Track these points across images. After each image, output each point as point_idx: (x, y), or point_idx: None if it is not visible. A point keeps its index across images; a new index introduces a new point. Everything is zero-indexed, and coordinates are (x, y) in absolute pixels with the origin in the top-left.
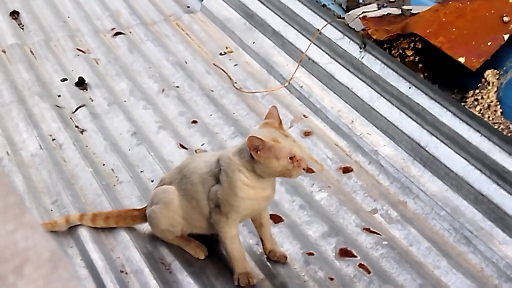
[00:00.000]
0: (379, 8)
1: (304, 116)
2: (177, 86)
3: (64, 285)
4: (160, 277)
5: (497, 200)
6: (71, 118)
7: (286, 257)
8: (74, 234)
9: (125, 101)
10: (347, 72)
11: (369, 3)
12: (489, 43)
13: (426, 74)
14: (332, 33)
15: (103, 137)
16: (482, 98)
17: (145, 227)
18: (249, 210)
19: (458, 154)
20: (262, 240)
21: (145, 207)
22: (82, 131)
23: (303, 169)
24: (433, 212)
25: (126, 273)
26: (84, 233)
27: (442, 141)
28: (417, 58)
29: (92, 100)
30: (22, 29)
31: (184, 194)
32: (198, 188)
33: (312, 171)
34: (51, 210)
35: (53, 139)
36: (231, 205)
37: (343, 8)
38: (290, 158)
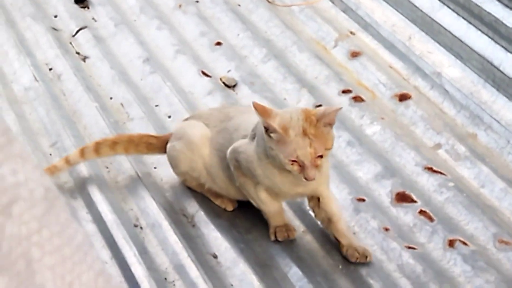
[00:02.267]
0: None
1: (351, 33)
2: (197, 1)
3: (62, 228)
4: (181, 232)
5: None
6: (70, 43)
7: (367, 257)
8: (79, 183)
9: (134, 20)
10: None
11: None
12: None
13: None
14: None
15: (110, 65)
16: None
17: (162, 173)
18: (274, 190)
19: None
20: (335, 237)
21: (167, 135)
22: (84, 59)
23: (305, 178)
24: (510, 145)
25: (141, 227)
26: (89, 181)
27: None
28: None
29: (96, 21)
30: None
31: (218, 148)
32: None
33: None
34: (50, 154)
35: (50, 69)
36: (252, 174)
37: None
38: (291, 160)
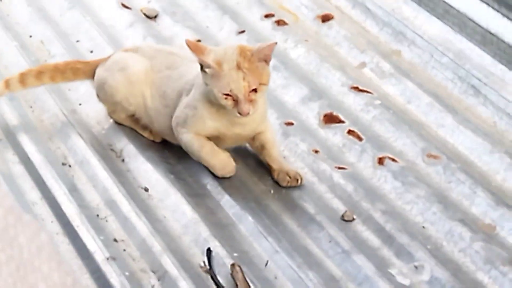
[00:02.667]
0: None
1: None
2: None
3: None
4: (111, 167)
5: (508, 38)
6: None
7: (298, 180)
8: (3, 124)
9: None
10: None
11: None
12: None
13: None
14: None
15: (27, 3)
16: None
17: (87, 109)
18: (216, 135)
19: None
20: (267, 163)
21: (95, 61)
22: None
23: (239, 113)
24: (433, 59)
25: (69, 165)
26: (14, 122)
27: None
28: None
29: None
30: None
31: (161, 95)
32: (174, 95)
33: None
34: None
35: None
36: (192, 118)
37: None
38: (225, 94)
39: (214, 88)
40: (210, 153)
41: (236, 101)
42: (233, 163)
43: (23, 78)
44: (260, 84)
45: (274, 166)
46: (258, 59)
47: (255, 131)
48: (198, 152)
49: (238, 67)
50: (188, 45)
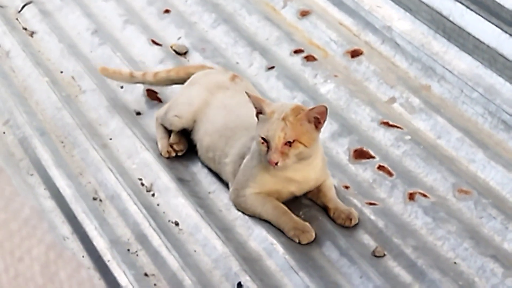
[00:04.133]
0: None
1: None
2: None
3: (7, 203)
4: (141, 201)
5: None
6: (17, 18)
7: (351, 219)
8: (34, 160)
9: None
10: None
11: None
12: None
13: None
14: None
15: (58, 39)
16: None
17: (118, 143)
18: (271, 187)
19: (489, 21)
20: (324, 204)
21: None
22: (31, 34)
23: (268, 161)
24: (463, 94)
25: (100, 200)
26: (45, 157)
27: (468, 7)
28: None
29: None
30: None
31: (213, 139)
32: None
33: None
34: (4, 133)
35: None
36: (250, 173)
37: None
38: (262, 138)
39: (258, 129)
40: (276, 210)
41: (269, 148)
42: (311, 229)
43: (156, 73)
44: (297, 141)
45: (330, 205)
46: (307, 118)
47: (311, 188)
48: (262, 208)
49: (284, 118)
50: (248, 96)
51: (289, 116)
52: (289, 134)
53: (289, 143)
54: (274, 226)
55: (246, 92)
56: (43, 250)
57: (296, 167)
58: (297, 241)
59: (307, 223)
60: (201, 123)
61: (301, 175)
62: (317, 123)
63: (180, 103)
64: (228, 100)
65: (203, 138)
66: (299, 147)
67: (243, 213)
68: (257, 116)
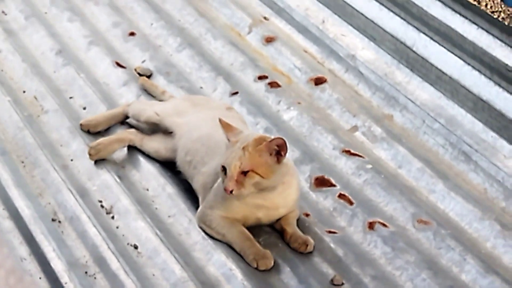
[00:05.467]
0: None
1: (265, 18)
2: None
3: None
4: (101, 223)
5: (500, 105)
6: None
7: (307, 245)
8: None
9: (45, 12)
10: None
11: None
12: None
13: None
14: None
15: (22, 58)
16: None
17: (79, 165)
18: (238, 212)
19: (452, 52)
20: (282, 227)
21: None
22: None
23: (224, 188)
24: (425, 125)
25: (59, 221)
26: (5, 177)
27: (431, 38)
28: None
29: (6, 14)
30: None
31: (207, 137)
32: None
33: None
34: None
35: None
36: (220, 196)
37: None
38: (222, 166)
39: (221, 158)
40: (240, 235)
41: (226, 176)
42: (271, 256)
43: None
44: (253, 171)
45: (289, 230)
46: (268, 149)
47: (279, 216)
48: (227, 232)
49: (244, 148)
50: (221, 123)
51: (250, 146)
52: (245, 163)
53: (244, 173)
54: (234, 251)
55: (219, 119)
56: (3, 275)
57: (265, 195)
58: (255, 266)
59: (267, 251)
60: (185, 128)
61: (271, 203)
62: (278, 155)
63: (166, 106)
64: (218, 117)
65: (185, 142)
66: (254, 177)
67: (205, 232)
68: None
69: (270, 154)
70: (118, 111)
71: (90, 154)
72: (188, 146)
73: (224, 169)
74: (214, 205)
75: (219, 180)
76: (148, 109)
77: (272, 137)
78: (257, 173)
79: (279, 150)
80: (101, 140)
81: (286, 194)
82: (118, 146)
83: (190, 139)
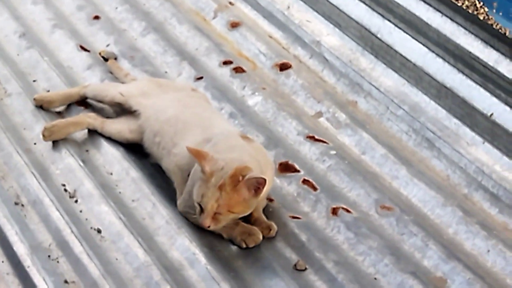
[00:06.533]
0: None
1: (230, 3)
2: None
3: None
4: (64, 207)
5: (463, 92)
6: None
7: (270, 230)
8: None
9: None
10: None
11: None
12: None
13: None
14: None
15: None
16: None
17: (42, 148)
18: None
19: (416, 39)
20: None
21: None
22: None
23: (200, 223)
24: (389, 111)
25: (22, 205)
26: None
27: (396, 25)
28: None
29: None
30: None
31: (175, 119)
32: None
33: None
34: None
35: None
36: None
37: None
38: (197, 202)
39: (195, 189)
40: None
41: (202, 211)
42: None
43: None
44: (229, 211)
45: (254, 213)
46: (246, 186)
47: None
48: None
49: (221, 187)
50: (191, 152)
51: (227, 185)
52: (222, 205)
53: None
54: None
55: (187, 147)
56: None
57: None
58: (244, 246)
59: (253, 227)
60: (152, 110)
61: None
62: (257, 189)
63: (131, 86)
64: (185, 99)
65: (153, 124)
66: (230, 215)
67: (188, 220)
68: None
69: (248, 190)
70: (74, 91)
71: (44, 136)
72: (156, 128)
73: (198, 204)
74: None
75: (194, 168)
76: (111, 90)
77: (246, 169)
78: (232, 212)
79: (258, 186)
80: (57, 121)
81: (261, 205)
82: (74, 129)
83: (158, 121)
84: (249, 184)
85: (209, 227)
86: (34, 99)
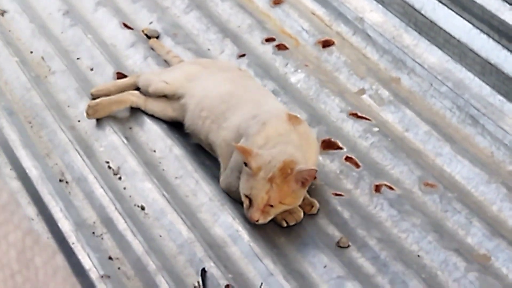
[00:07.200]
0: None
1: None
2: None
3: None
4: (108, 184)
5: (508, 69)
6: None
7: (312, 206)
8: (1, 140)
9: None
10: None
11: None
12: None
13: None
14: None
15: (29, 19)
16: None
17: (86, 126)
18: None
19: (460, 15)
20: None
21: None
22: (2, 13)
23: (249, 217)
24: (432, 88)
25: (66, 182)
26: (12, 137)
27: (440, 1)
28: None
29: None
30: None
31: (206, 116)
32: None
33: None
34: None
35: None
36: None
37: None
38: (245, 194)
39: (242, 183)
40: None
41: (251, 204)
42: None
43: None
44: (281, 203)
45: None
46: (295, 179)
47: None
48: None
49: (271, 179)
50: (238, 149)
51: (276, 178)
52: (273, 197)
53: (271, 205)
54: (238, 209)
55: (234, 144)
56: (19, 236)
57: None
58: (284, 225)
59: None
60: (198, 88)
61: None
62: (305, 181)
63: (175, 72)
64: (236, 77)
65: (201, 99)
66: (281, 207)
67: (230, 196)
68: (244, 164)
69: (296, 183)
70: (129, 81)
71: (87, 114)
72: (205, 103)
73: (246, 197)
74: (234, 174)
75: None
76: (155, 79)
77: (292, 163)
78: (284, 204)
79: (307, 178)
80: (101, 100)
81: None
82: (117, 107)
83: (208, 97)
84: (298, 176)
85: (257, 221)
86: (91, 93)
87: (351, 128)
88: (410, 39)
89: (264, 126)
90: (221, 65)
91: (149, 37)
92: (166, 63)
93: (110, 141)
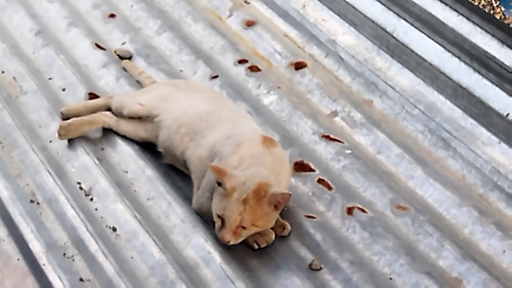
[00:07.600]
0: None
1: (246, 2)
2: None
3: None
4: (79, 205)
5: (479, 92)
6: None
7: (284, 228)
8: None
9: None
10: None
11: None
12: None
13: None
14: None
15: (1, 39)
16: None
17: (57, 146)
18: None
19: (432, 39)
20: None
21: None
22: None
23: (220, 238)
24: (404, 111)
25: (37, 202)
26: None
27: (412, 25)
28: None
29: None
30: None
31: (208, 113)
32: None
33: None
34: None
35: None
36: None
37: None
38: (217, 214)
39: (215, 203)
40: None
41: (223, 225)
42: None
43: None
44: (253, 225)
45: None
46: (269, 202)
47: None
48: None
49: (244, 201)
50: (212, 169)
51: (250, 200)
52: (246, 218)
53: (243, 227)
54: (209, 231)
55: (209, 164)
56: None
57: None
58: (256, 246)
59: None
60: (177, 106)
61: None
62: (278, 204)
63: (150, 94)
64: (213, 97)
65: (180, 116)
66: (253, 229)
67: (202, 218)
68: (218, 184)
69: (269, 205)
70: (101, 102)
71: (59, 134)
72: (184, 120)
73: (219, 217)
74: (205, 195)
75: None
76: (129, 101)
77: (266, 185)
78: (256, 226)
79: (279, 201)
80: (72, 120)
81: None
82: (89, 127)
83: (188, 114)
84: (272, 199)
85: (229, 242)
86: (61, 112)
87: (324, 150)
88: (382, 61)
89: (239, 147)
90: (195, 86)
91: (121, 58)
92: (139, 84)
93: (82, 161)
